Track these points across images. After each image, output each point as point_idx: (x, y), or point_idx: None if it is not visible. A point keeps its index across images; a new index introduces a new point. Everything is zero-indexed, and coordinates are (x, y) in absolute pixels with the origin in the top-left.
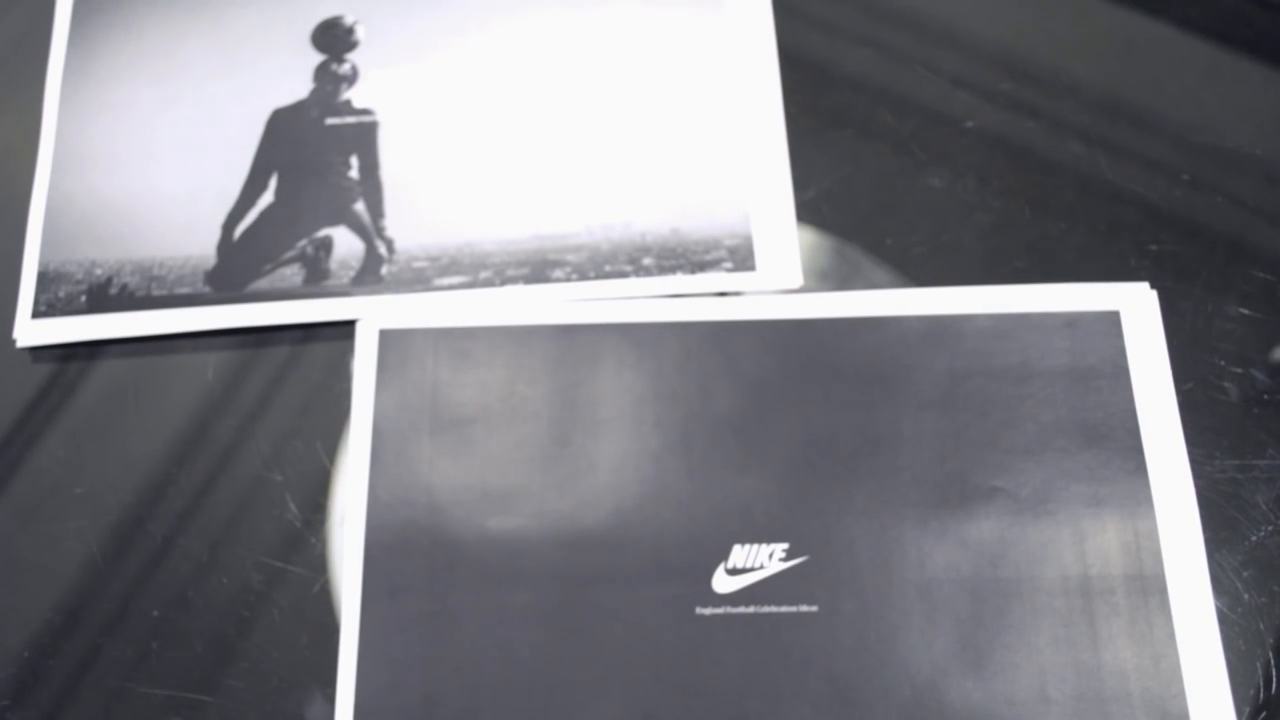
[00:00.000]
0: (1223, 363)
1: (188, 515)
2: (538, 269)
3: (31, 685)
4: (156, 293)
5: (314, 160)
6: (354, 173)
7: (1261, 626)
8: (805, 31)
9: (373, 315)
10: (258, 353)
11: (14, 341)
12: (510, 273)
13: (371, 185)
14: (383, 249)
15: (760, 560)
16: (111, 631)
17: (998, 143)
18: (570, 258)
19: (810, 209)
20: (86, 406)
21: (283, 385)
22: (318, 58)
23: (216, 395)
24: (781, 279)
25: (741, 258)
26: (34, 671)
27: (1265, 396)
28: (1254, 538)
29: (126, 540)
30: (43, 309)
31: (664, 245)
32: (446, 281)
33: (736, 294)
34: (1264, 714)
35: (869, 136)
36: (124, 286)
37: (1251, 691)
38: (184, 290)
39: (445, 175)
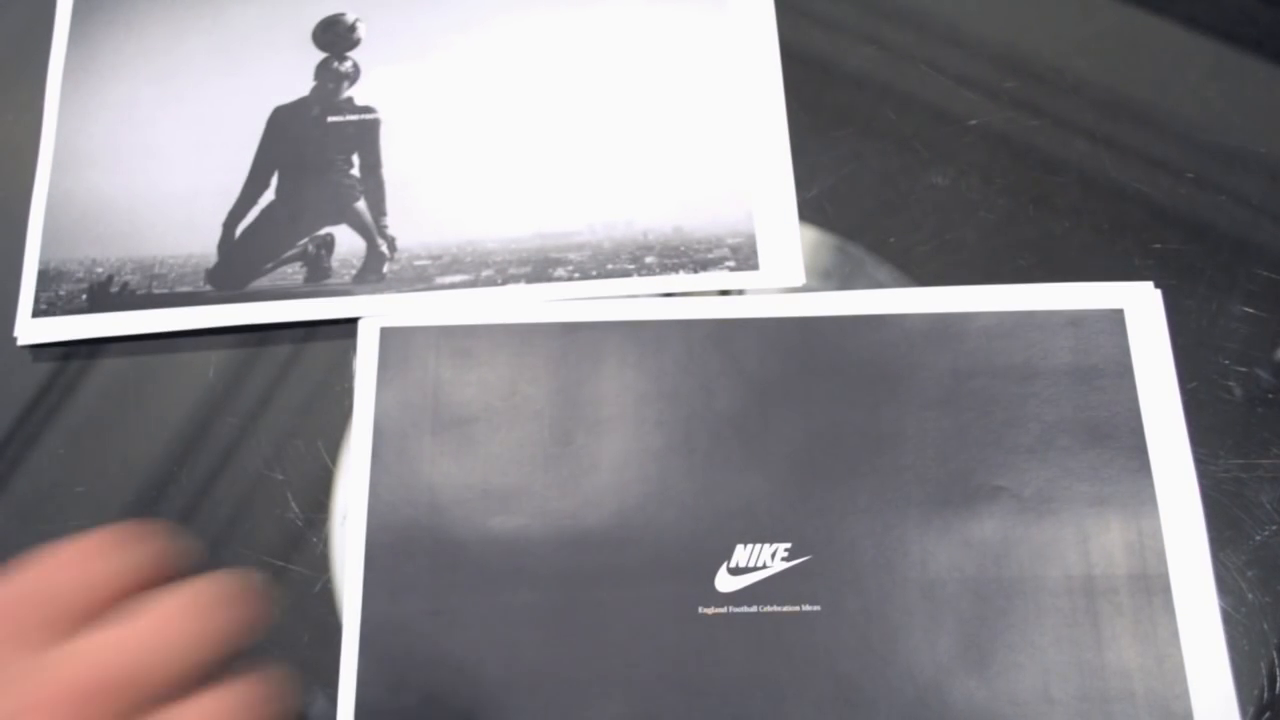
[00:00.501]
0: (1227, 362)
1: (188, 514)
2: (539, 267)
3: None
4: (158, 291)
5: (315, 158)
6: (355, 171)
7: (1265, 626)
8: (808, 29)
9: (374, 314)
10: (259, 351)
11: (14, 340)
12: (512, 271)
13: (373, 183)
14: (384, 247)
15: (763, 559)
16: None
17: (1001, 141)
18: (572, 256)
19: (813, 207)
20: (86, 405)
21: (284, 384)
22: (319, 55)
23: (217, 394)
24: (784, 278)
25: (744, 256)
26: None
27: (1270, 395)
28: (1258, 537)
29: None
30: (43, 308)
31: (666, 244)
32: (448, 280)
33: (739, 292)
34: (1268, 714)
35: (872, 135)
36: (125, 285)
37: (1256, 691)
38: (185, 289)
39: (447, 173)
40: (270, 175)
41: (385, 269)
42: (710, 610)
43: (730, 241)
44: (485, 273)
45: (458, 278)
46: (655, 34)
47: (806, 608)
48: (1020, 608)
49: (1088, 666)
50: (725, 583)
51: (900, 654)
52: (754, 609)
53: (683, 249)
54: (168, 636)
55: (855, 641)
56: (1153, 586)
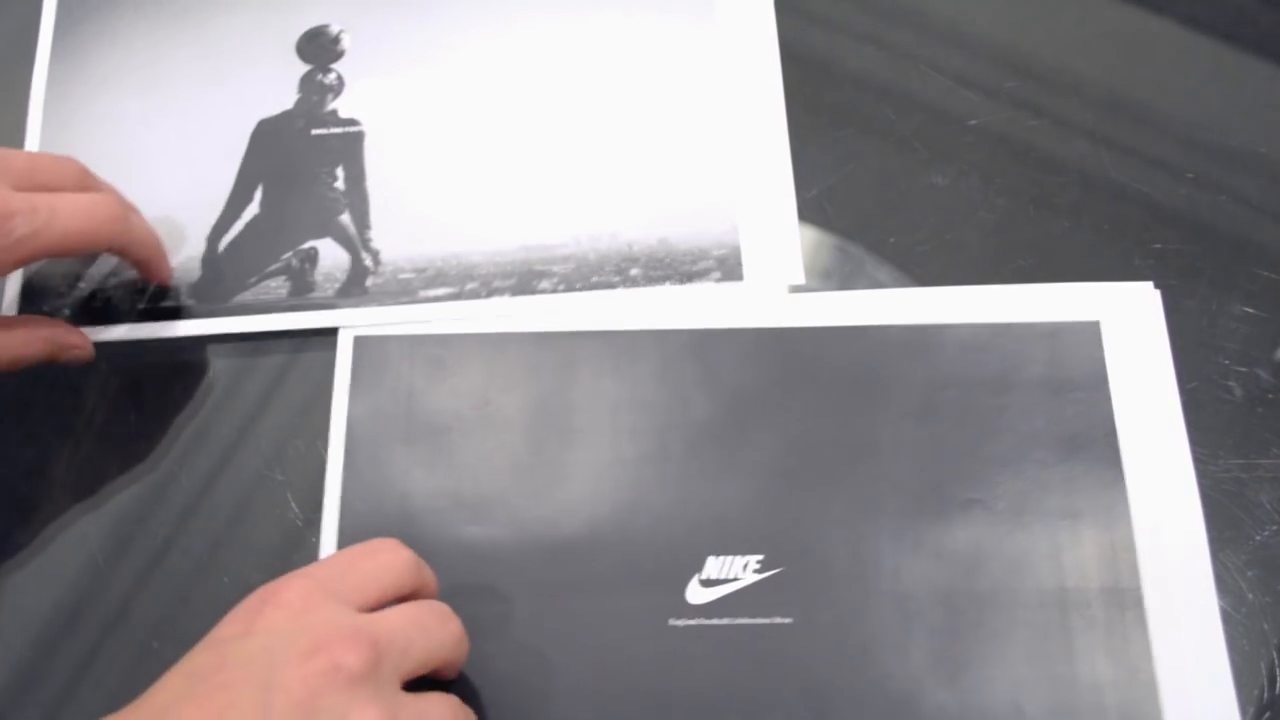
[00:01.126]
0: (1227, 362)
1: (189, 514)
2: (524, 280)
3: (31, 685)
4: (140, 307)
5: (300, 171)
6: (339, 184)
7: (1266, 626)
8: (808, 29)
9: (351, 323)
10: (259, 351)
11: None
12: (496, 284)
13: (357, 196)
14: (368, 261)
15: (735, 571)
16: (111, 631)
17: (1001, 141)
18: (557, 268)
19: (813, 207)
20: (87, 406)
21: (284, 384)
22: (303, 68)
23: (217, 394)
24: (770, 289)
25: (730, 268)
26: (34, 671)
27: (1270, 395)
28: (1258, 537)
29: (127, 540)
30: None
31: (651, 255)
32: (432, 293)
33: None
34: (1268, 714)
35: (871, 135)
36: (108, 300)
37: (1256, 692)
38: (168, 304)
39: (431, 186)
40: (254, 189)
41: (369, 282)
42: (681, 622)
43: (716, 253)
44: (469, 285)
45: (442, 290)
46: (644, 44)
47: (779, 620)
48: (992, 620)
49: (1059, 679)
50: (697, 594)
51: (872, 666)
52: (725, 621)
53: (668, 260)
54: (426, 630)
55: (827, 654)
56: (1125, 600)
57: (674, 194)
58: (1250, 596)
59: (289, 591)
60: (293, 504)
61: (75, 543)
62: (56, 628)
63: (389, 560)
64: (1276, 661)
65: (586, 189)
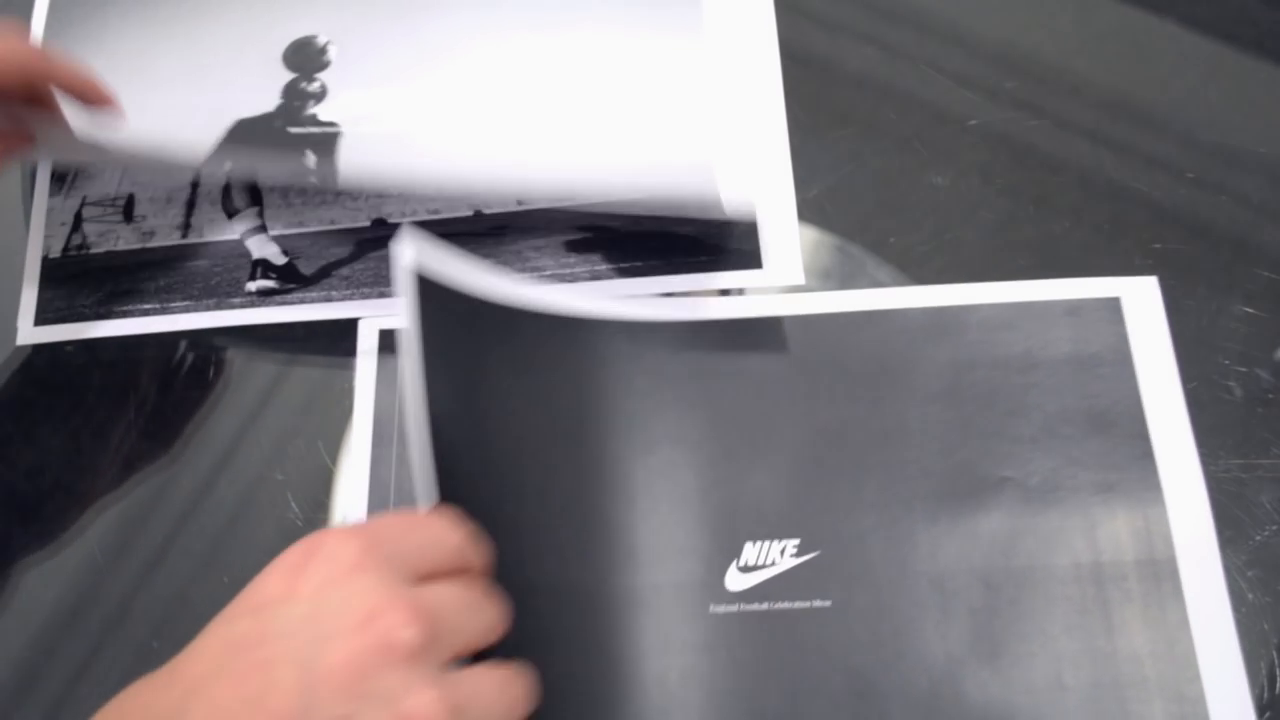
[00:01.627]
0: (1227, 362)
1: (189, 514)
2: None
3: (31, 685)
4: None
5: (270, 155)
6: (309, 163)
7: (1266, 626)
8: (808, 29)
9: (373, 316)
10: (259, 351)
11: (15, 337)
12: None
13: (327, 172)
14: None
15: (772, 557)
16: (111, 631)
17: (1001, 141)
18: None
19: (813, 207)
20: (87, 406)
21: (284, 384)
22: (288, 76)
23: (218, 394)
24: (785, 277)
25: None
26: (34, 671)
27: (1270, 395)
28: (1259, 537)
29: (127, 540)
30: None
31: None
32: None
33: (739, 291)
34: (1268, 714)
35: (872, 134)
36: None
37: (1257, 691)
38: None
39: (406, 187)
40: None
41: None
42: (721, 609)
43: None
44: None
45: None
46: (640, 48)
47: (817, 603)
48: (1030, 597)
49: (1099, 653)
50: (735, 581)
51: (912, 646)
52: (765, 606)
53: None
54: (478, 608)
55: (867, 636)
56: (1160, 572)
57: (670, 194)
58: (1250, 596)
59: (338, 545)
60: (293, 504)
61: (75, 543)
62: (56, 628)
63: (442, 535)
64: (1276, 661)
65: (579, 195)
